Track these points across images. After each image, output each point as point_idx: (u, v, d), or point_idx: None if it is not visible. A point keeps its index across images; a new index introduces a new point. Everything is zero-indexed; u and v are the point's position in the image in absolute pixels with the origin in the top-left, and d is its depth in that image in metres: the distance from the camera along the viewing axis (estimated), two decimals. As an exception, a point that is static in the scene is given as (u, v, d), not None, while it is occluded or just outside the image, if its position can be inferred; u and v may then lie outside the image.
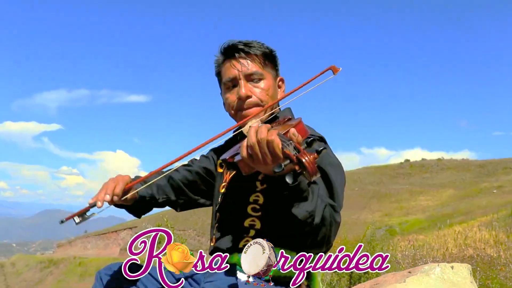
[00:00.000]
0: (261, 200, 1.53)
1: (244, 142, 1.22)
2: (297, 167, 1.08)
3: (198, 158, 1.96)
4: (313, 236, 1.27)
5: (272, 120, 1.60)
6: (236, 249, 1.50)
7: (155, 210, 1.98)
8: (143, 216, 1.88)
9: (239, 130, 1.60)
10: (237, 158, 1.29)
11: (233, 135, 1.77)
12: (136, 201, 1.67)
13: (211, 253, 1.60)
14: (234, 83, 1.65)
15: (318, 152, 1.10)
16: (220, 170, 1.81)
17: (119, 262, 1.52)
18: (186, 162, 1.93)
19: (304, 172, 1.08)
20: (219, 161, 1.82)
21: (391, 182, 60.77)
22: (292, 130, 1.20)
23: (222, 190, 1.70)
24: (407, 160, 75.35)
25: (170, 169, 1.64)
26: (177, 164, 1.59)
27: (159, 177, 1.66)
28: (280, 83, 1.75)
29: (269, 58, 1.68)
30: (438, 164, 69.49)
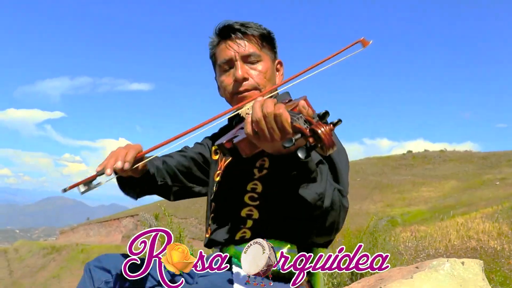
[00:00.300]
0: (259, 188, 1.44)
1: (248, 118, 1.14)
2: (311, 140, 0.99)
3: (192, 146, 1.87)
4: (322, 221, 1.18)
5: None
6: (232, 241, 1.43)
7: (154, 198, 1.90)
8: (139, 199, 1.76)
9: (235, 113, 1.49)
10: (236, 140, 1.20)
11: (229, 122, 1.71)
12: (145, 174, 1.58)
13: (206, 245, 1.56)
14: (230, 65, 1.57)
15: (334, 124, 1.01)
16: (215, 157, 1.72)
17: (108, 254, 1.46)
18: (180, 149, 1.85)
19: (320, 145, 0.99)
20: (214, 148, 1.73)
21: (393, 173, 60.73)
22: (302, 102, 1.12)
23: (217, 179, 1.62)
24: (409, 151, 75.19)
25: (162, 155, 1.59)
26: (168, 148, 1.43)
27: (156, 156, 1.58)
28: (278, 66, 1.68)
29: (267, 40, 1.61)
30: (441, 155, 69.28)
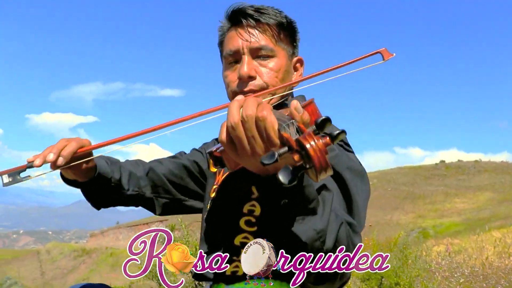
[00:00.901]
0: (257, 211, 1.19)
1: (225, 122, 0.85)
2: (296, 157, 0.70)
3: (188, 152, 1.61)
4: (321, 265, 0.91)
5: (278, 108, 1.21)
6: (222, 277, 1.18)
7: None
8: (107, 208, 1.48)
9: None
10: (220, 149, 0.95)
11: None
12: (93, 178, 1.29)
13: (194, 277, 1.30)
14: (236, 57, 1.30)
15: (333, 137, 0.71)
16: (214, 170, 1.45)
17: (87, 284, 1.38)
18: (173, 155, 1.60)
19: (308, 166, 0.70)
20: None
21: (425, 183, 59.47)
22: (295, 103, 0.82)
23: (213, 195, 1.36)
24: (442, 161, 73.62)
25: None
26: (129, 145, 1.16)
27: (101, 155, 1.29)
28: (297, 64, 1.40)
29: (286, 31, 1.33)
30: (475, 166, 67.45)
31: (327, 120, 0.72)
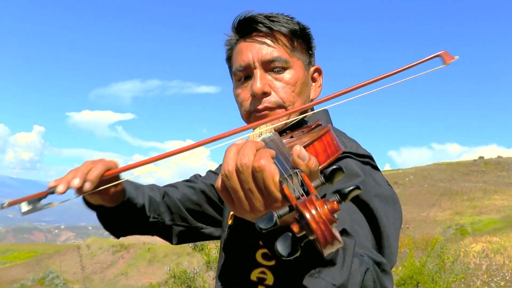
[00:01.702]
0: None
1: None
2: (296, 228, 0.57)
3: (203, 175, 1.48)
4: None
5: (295, 126, 1.14)
6: None
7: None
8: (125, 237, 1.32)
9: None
10: None
11: None
12: (121, 203, 1.17)
13: None
14: (247, 73, 1.17)
15: (343, 196, 0.59)
16: None
17: None
18: (187, 178, 1.47)
19: (311, 238, 0.57)
20: None
21: (463, 180, 57.97)
22: (297, 148, 0.67)
23: (230, 221, 1.21)
24: (481, 157, 71.57)
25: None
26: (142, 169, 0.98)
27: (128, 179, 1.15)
28: (315, 75, 1.27)
29: (300, 38, 1.20)
30: (516, 162, 65.49)
31: (338, 171, 0.61)
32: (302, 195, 0.61)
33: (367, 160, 1.07)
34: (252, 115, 1.16)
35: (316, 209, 0.56)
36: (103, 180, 1.00)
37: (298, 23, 1.19)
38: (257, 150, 0.69)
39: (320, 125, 0.96)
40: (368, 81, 1.00)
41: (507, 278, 6.71)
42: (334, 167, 0.61)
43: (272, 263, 1.03)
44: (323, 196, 0.62)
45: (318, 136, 0.76)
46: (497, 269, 7.38)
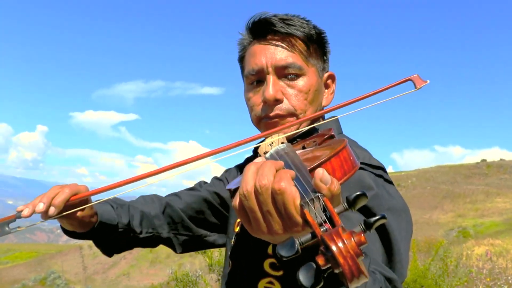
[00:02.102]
0: None
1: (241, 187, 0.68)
2: (321, 261, 0.54)
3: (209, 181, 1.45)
4: None
5: (306, 135, 1.12)
6: None
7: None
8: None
9: (257, 145, 1.01)
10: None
11: (254, 152, 1.25)
12: (96, 228, 1.15)
13: None
14: (259, 77, 1.14)
15: (369, 226, 0.57)
16: None
17: None
18: (191, 186, 1.45)
19: (336, 271, 0.54)
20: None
21: (466, 182, 57.83)
22: (320, 172, 0.63)
23: (237, 229, 1.19)
24: (483, 160, 71.39)
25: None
26: (145, 182, 0.97)
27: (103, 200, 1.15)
28: (328, 81, 1.24)
29: (316, 43, 1.17)
30: (519, 164, 65.34)
31: (361, 197, 0.59)
32: (325, 222, 0.59)
33: (380, 172, 1.04)
34: (263, 121, 1.15)
35: (343, 242, 0.53)
36: (69, 204, 1.01)
37: (314, 27, 1.17)
38: (276, 171, 0.66)
39: (332, 135, 0.93)
40: (338, 106, 1.03)
41: (511, 282, 6.67)
42: (358, 193, 0.59)
43: (280, 273, 1.01)
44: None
45: (335, 152, 0.72)
46: (500, 273, 7.38)
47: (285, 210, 0.63)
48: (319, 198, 0.61)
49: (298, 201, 0.62)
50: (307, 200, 0.61)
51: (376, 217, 0.56)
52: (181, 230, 1.36)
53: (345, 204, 0.60)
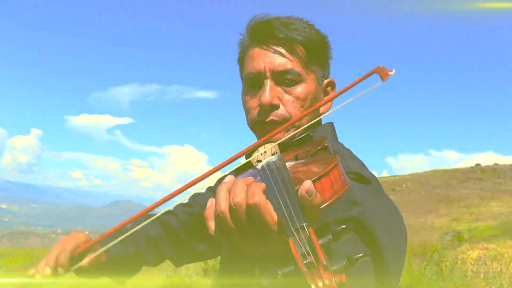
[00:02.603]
0: None
1: (213, 200, 0.71)
2: None
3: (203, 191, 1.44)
4: None
5: (302, 142, 1.09)
6: None
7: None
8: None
9: (250, 158, 0.98)
10: None
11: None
12: (104, 263, 1.13)
13: None
14: (257, 81, 1.12)
15: (352, 262, 0.58)
16: None
17: None
18: (186, 202, 1.44)
19: None
20: None
21: (460, 186, 58.12)
22: (307, 184, 0.63)
23: None
24: (477, 164, 71.89)
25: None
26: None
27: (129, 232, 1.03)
28: (328, 88, 1.21)
29: (317, 49, 1.14)
30: (513, 169, 65.69)
31: (347, 231, 0.61)
32: (309, 254, 0.59)
33: (371, 185, 0.98)
34: (258, 127, 1.13)
35: (323, 282, 0.54)
36: (75, 257, 0.99)
37: (317, 32, 1.14)
38: (247, 186, 0.67)
39: (326, 146, 0.91)
40: (306, 112, 0.96)
41: (505, 286, 6.69)
42: (344, 226, 0.61)
43: None
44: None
45: (326, 172, 0.71)
46: (494, 277, 7.40)
47: (262, 221, 0.64)
48: (304, 228, 0.61)
49: (272, 210, 0.64)
50: (292, 230, 0.61)
51: (359, 254, 0.57)
52: (180, 247, 1.38)
53: (330, 236, 0.61)
